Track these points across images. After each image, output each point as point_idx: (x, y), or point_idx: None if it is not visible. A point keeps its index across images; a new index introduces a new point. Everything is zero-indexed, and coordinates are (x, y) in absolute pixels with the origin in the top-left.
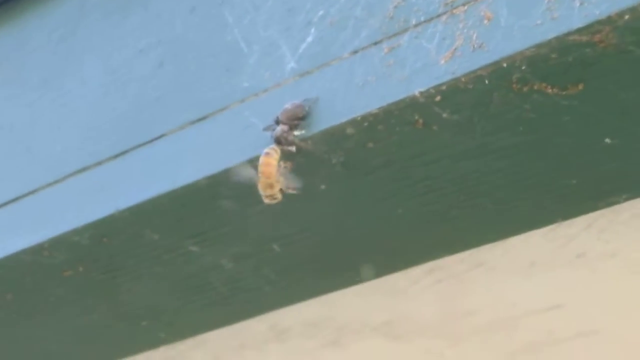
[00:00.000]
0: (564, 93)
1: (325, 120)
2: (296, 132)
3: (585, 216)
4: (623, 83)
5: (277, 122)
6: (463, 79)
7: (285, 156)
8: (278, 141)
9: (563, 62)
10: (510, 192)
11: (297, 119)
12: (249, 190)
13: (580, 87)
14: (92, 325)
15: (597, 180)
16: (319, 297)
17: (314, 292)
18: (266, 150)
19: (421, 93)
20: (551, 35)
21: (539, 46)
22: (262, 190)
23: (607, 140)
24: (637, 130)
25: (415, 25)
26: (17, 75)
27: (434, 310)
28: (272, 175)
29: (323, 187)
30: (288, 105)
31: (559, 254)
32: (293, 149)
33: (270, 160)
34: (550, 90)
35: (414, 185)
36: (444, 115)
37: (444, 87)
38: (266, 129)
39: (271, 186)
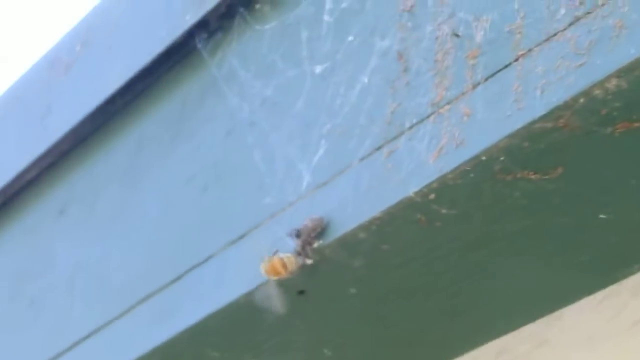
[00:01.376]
0: (546, 177)
1: (340, 227)
2: (315, 245)
3: (632, 281)
4: (599, 161)
5: (298, 236)
6: (450, 176)
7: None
8: (298, 253)
9: (536, 149)
10: (528, 275)
11: (316, 235)
12: (287, 301)
13: (560, 170)
14: None
15: (607, 254)
16: None
17: None
18: (282, 256)
19: (416, 193)
20: (519, 125)
21: (510, 137)
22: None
23: (602, 215)
24: (627, 203)
25: (409, 128)
26: (91, 213)
27: None
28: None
29: (353, 291)
30: (308, 222)
31: (614, 325)
32: (310, 261)
33: (281, 268)
34: (533, 176)
35: (435, 279)
36: (443, 211)
37: (435, 185)
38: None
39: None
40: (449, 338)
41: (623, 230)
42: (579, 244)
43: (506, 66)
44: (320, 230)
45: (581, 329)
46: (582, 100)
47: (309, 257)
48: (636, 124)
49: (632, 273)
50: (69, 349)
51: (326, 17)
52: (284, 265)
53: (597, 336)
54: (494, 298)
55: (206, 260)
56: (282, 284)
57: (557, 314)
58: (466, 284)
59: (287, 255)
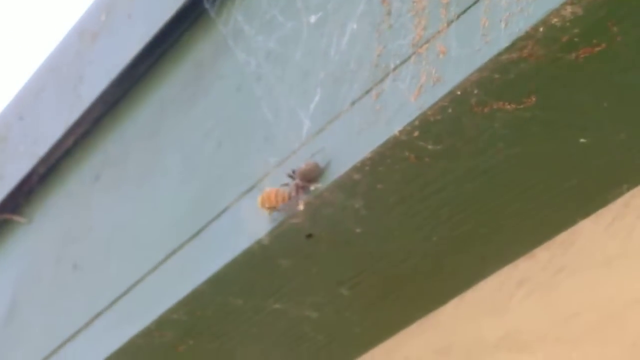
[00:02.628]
0: (521, 106)
1: (336, 170)
2: (312, 187)
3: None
4: (569, 87)
5: (292, 177)
6: (430, 112)
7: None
8: (289, 197)
9: (506, 80)
10: (522, 203)
11: (311, 179)
12: (297, 246)
13: (534, 98)
14: None
15: (595, 177)
16: (437, 326)
17: (400, 324)
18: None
19: (400, 132)
20: (487, 58)
21: (480, 70)
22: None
23: (582, 140)
24: (604, 126)
25: (394, 69)
26: (123, 176)
27: (541, 319)
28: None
29: (358, 230)
30: (303, 165)
31: (627, 244)
32: (300, 207)
33: (274, 198)
34: (509, 107)
35: (435, 213)
36: (429, 147)
37: (417, 122)
38: (283, 185)
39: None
40: (461, 268)
41: (605, 152)
42: (566, 168)
43: (475, 2)
44: (316, 173)
45: (596, 252)
46: (541, 29)
47: (297, 203)
48: (597, 49)
49: (621, 193)
50: (108, 307)
51: None
52: (277, 196)
53: (614, 257)
54: (495, 226)
55: (222, 212)
56: (290, 229)
57: (569, 239)
58: (466, 215)
59: (281, 189)
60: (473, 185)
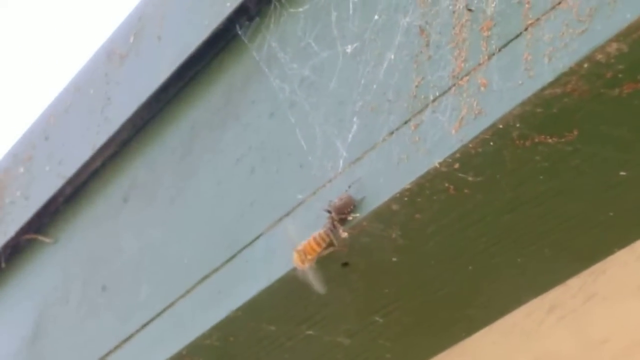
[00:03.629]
0: (563, 140)
1: (374, 201)
2: (350, 217)
3: None
4: (612, 121)
5: (329, 212)
6: (471, 145)
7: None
8: (326, 233)
9: (549, 114)
10: (559, 234)
11: (346, 213)
12: (333, 274)
13: (576, 132)
14: None
15: (632, 209)
16: (464, 351)
17: (432, 351)
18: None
19: (440, 163)
20: (530, 92)
21: (523, 104)
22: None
23: (623, 173)
24: None
25: (433, 101)
26: (152, 199)
27: (570, 344)
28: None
29: (395, 259)
30: (336, 200)
31: None
32: (344, 235)
33: (314, 244)
34: (550, 140)
35: (472, 243)
36: (469, 178)
37: (458, 155)
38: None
39: (302, 261)
40: (495, 297)
41: None
42: (604, 201)
43: (517, 36)
44: (351, 207)
45: (627, 280)
46: (586, 65)
47: (339, 234)
48: None
49: None
50: (138, 331)
51: None
52: (316, 242)
53: None
54: (531, 256)
55: (256, 238)
56: (327, 257)
57: (601, 268)
58: (503, 246)
59: (315, 234)
60: (511, 217)
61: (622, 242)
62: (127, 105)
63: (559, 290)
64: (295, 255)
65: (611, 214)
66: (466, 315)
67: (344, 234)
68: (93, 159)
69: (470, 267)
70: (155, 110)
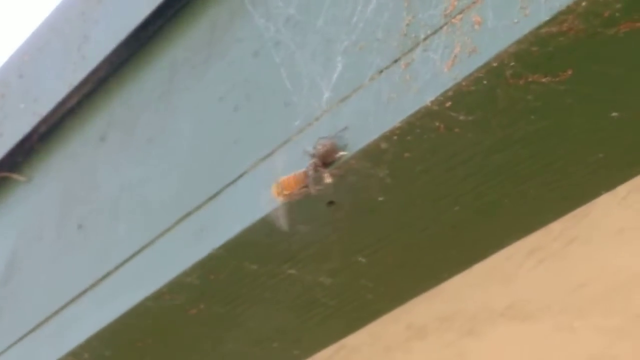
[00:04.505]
0: (557, 80)
1: (362, 139)
2: (340, 153)
3: None
4: (606, 62)
5: (312, 156)
6: (464, 83)
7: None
8: (306, 176)
9: (545, 52)
10: (547, 175)
11: (330, 159)
12: (318, 213)
13: (570, 72)
14: (230, 354)
15: (621, 152)
16: (443, 293)
17: (413, 292)
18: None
19: (432, 102)
20: (526, 30)
21: (518, 42)
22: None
23: (614, 114)
24: (637, 101)
25: (424, 39)
26: (130, 138)
27: (548, 288)
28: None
29: (381, 198)
30: (320, 146)
31: None
32: (328, 180)
33: (293, 182)
34: (544, 80)
35: (460, 183)
36: (461, 117)
37: (450, 93)
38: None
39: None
40: (479, 238)
41: (635, 127)
42: (594, 142)
43: None
44: (335, 153)
45: (609, 224)
46: (584, 3)
47: (322, 179)
48: (638, 24)
49: None
50: (116, 268)
51: None
52: (296, 181)
53: (626, 229)
54: (518, 197)
55: (239, 177)
56: (312, 196)
57: (584, 211)
58: (490, 186)
59: (297, 173)
60: (500, 156)
61: (610, 184)
62: (105, 43)
63: (540, 233)
64: (273, 186)
65: (601, 155)
66: (449, 256)
67: (328, 179)
68: (69, 96)
69: (456, 208)
70: (134, 48)
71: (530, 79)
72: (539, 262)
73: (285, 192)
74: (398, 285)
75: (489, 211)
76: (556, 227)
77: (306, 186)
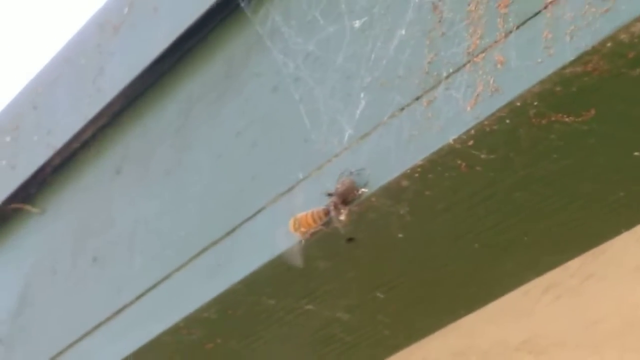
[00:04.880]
0: (579, 119)
1: (383, 177)
2: (360, 190)
3: None
4: (629, 102)
5: (332, 195)
6: (487, 122)
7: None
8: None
9: (568, 92)
10: (568, 213)
11: (349, 198)
12: (337, 249)
13: (593, 112)
14: None
15: None
16: (458, 328)
17: (430, 329)
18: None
19: (455, 140)
20: (550, 70)
21: (542, 82)
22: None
23: (636, 153)
24: None
25: (446, 77)
26: (146, 171)
27: (564, 324)
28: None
29: (400, 235)
30: (339, 185)
31: None
32: (340, 225)
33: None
34: (567, 119)
35: (480, 221)
36: (482, 156)
37: (472, 132)
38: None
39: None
40: (498, 276)
41: None
42: (616, 181)
43: (536, 14)
44: (354, 191)
45: (626, 261)
46: (609, 44)
47: (338, 218)
48: None
49: None
50: (132, 302)
51: None
52: (313, 218)
53: None
54: (538, 235)
55: (258, 212)
56: (331, 232)
57: (601, 248)
58: (511, 223)
59: (316, 209)
60: (522, 194)
61: (630, 223)
62: (121, 76)
63: (557, 269)
64: (291, 221)
65: (622, 194)
66: (467, 293)
67: (343, 217)
68: (84, 129)
69: (476, 245)
70: (150, 82)
71: (553, 119)
72: (555, 298)
73: (303, 229)
74: (415, 321)
75: (509, 248)
76: (574, 264)
77: (325, 223)
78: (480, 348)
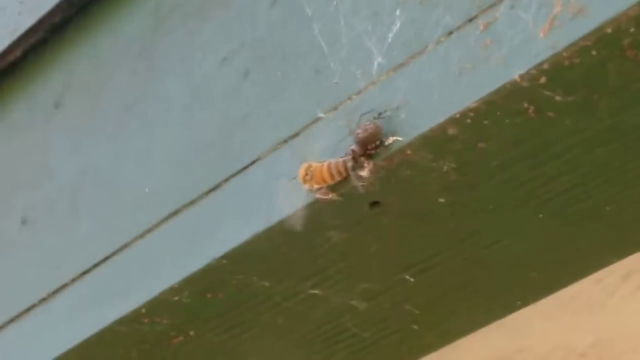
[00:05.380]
0: None
1: (423, 122)
2: (390, 138)
3: None
4: None
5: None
6: (565, 54)
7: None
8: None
9: None
10: None
11: (373, 147)
12: (356, 216)
13: None
14: None
15: None
16: (506, 327)
17: (473, 325)
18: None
19: (521, 76)
20: None
21: None
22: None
23: None
24: None
25: None
26: (97, 104)
27: None
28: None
29: (442, 200)
30: (360, 131)
31: None
32: (359, 184)
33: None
34: None
35: (548, 184)
36: (557, 98)
37: (546, 66)
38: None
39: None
40: (567, 257)
41: None
42: None
43: None
44: (378, 140)
45: None
46: None
47: (358, 174)
48: None
49: None
50: (75, 279)
51: None
52: (330, 171)
53: None
54: (624, 206)
55: (250, 164)
56: (349, 193)
57: None
58: (589, 189)
59: (334, 161)
60: (606, 151)
61: None
62: None
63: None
64: (302, 168)
65: None
66: (525, 279)
67: (365, 174)
68: (11, 48)
69: (540, 215)
70: None
71: None
72: (636, 289)
73: (316, 186)
74: (453, 315)
75: (583, 222)
76: None
77: (344, 179)
78: (534, 352)
